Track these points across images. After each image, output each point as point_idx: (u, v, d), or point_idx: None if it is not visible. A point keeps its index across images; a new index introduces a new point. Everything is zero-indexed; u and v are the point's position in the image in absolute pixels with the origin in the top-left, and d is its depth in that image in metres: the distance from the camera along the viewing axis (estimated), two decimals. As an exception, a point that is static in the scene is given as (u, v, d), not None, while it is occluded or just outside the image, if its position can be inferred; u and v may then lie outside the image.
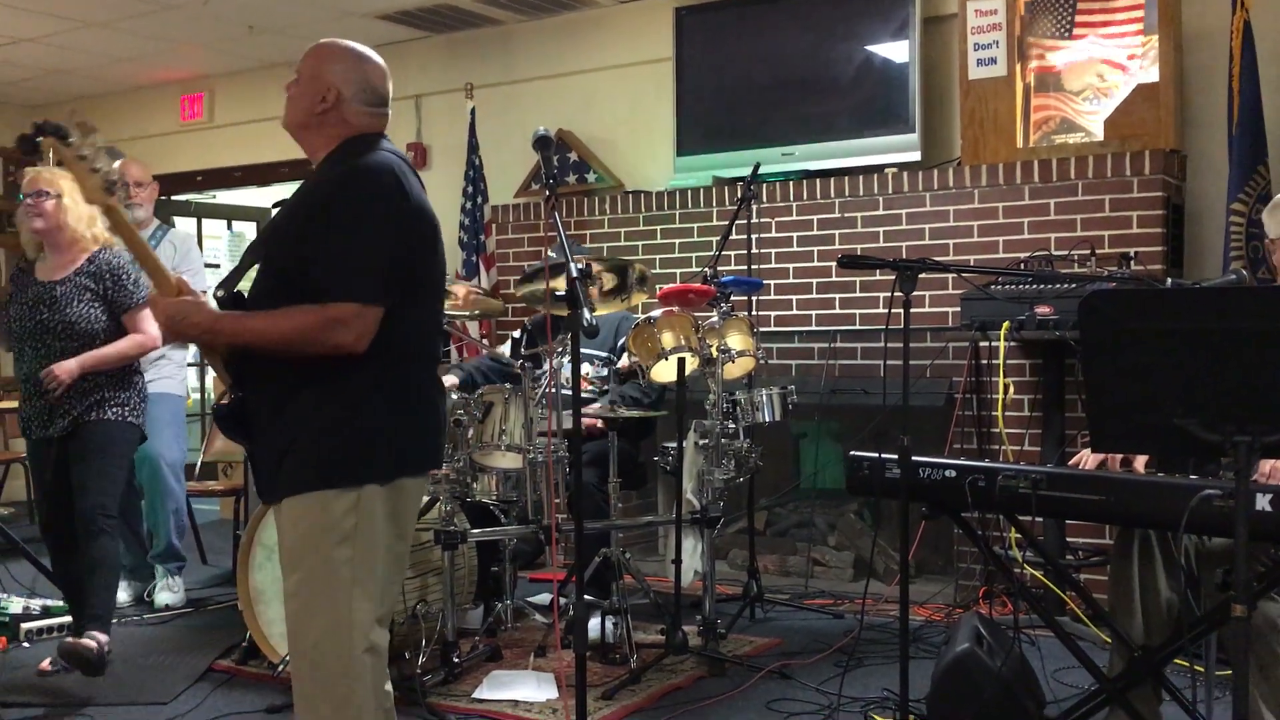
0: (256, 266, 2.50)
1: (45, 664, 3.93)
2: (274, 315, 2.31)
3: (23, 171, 4.06)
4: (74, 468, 3.86)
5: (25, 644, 4.34)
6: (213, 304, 2.44)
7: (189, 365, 5.30)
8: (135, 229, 2.42)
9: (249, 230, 8.67)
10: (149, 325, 3.89)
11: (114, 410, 3.89)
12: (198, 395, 7.28)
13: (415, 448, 2.44)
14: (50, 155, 2.56)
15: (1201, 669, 3.09)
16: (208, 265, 5.70)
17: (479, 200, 6.23)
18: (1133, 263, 4.39)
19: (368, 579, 2.34)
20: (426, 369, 2.50)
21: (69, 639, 3.76)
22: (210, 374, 5.38)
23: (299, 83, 2.49)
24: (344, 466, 2.32)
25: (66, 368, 3.78)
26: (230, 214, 8.45)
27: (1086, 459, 2.93)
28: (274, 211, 2.61)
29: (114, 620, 4.30)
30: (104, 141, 2.45)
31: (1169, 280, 4.31)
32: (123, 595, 4.94)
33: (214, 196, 7.96)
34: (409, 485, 2.43)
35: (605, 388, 4.50)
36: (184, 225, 7.78)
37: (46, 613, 4.49)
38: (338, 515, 2.31)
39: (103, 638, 3.77)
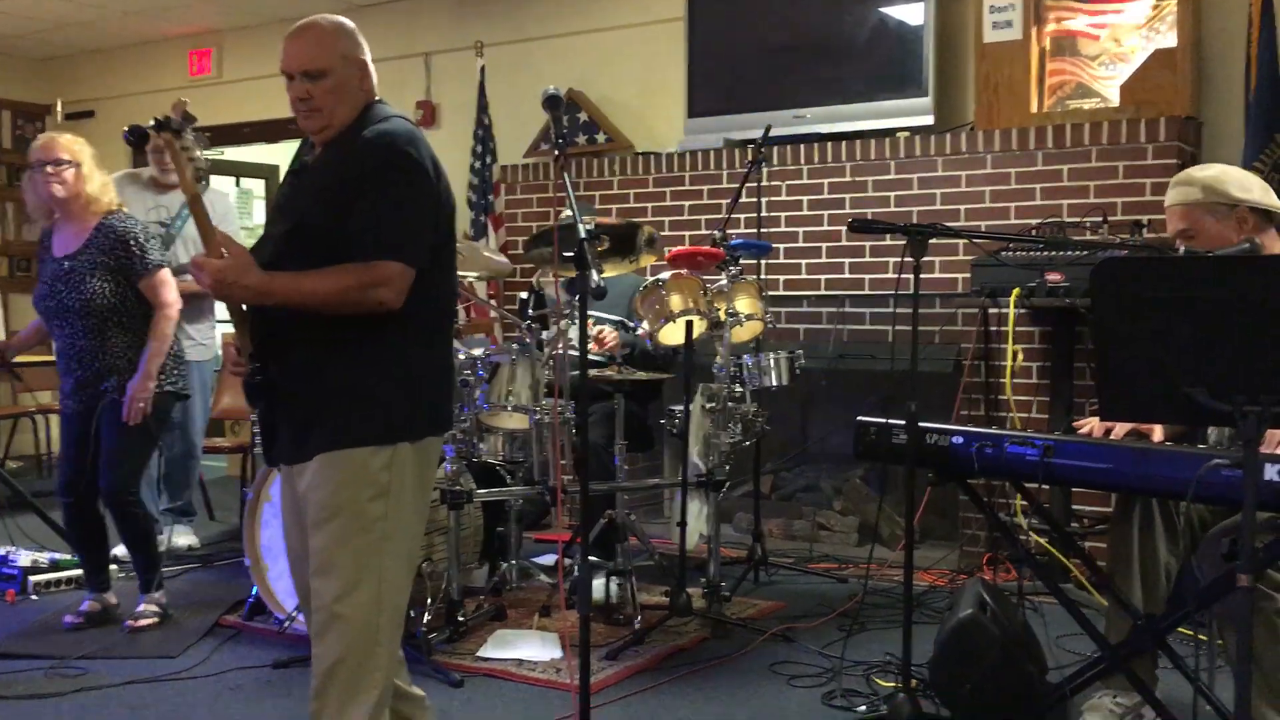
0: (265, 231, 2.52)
1: (69, 618, 4.02)
2: (323, 274, 2.32)
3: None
4: (104, 440, 3.89)
5: (34, 596, 4.39)
6: None
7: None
8: (207, 213, 2.47)
9: (256, 187, 8.65)
10: (167, 293, 3.92)
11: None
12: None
13: (442, 407, 2.54)
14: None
15: (1204, 637, 3.10)
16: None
17: (488, 160, 6.20)
18: (1145, 231, 4.36)
19: (397, 536, 2.41)
20: (448, 331, 2.58)
21: (130, 623, 3.97)
22: (217, 331, 5.38)
23: (327, 77, 2.40)
24: (380, 424, 2.38)
25: (141, 387, 3.82)
26: (238, 170, 8.42)
27: (1094, 426, 2.92)
28: (289, 177, 2.60)
29: (122, 575, 4.36)
30: (194, 129, 2.50)
31: (1181, 249, 4.28)
32: (188, 540, 5.18)
33: (222, 153, 7.94)
34: (433, 444, 2.51)
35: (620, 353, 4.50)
36: (216, 184, 7.77)
37: (55, 566, 4.54)
38: (373, 472, 2.36)
39: (157, 595, 4.07)
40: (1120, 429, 2.85)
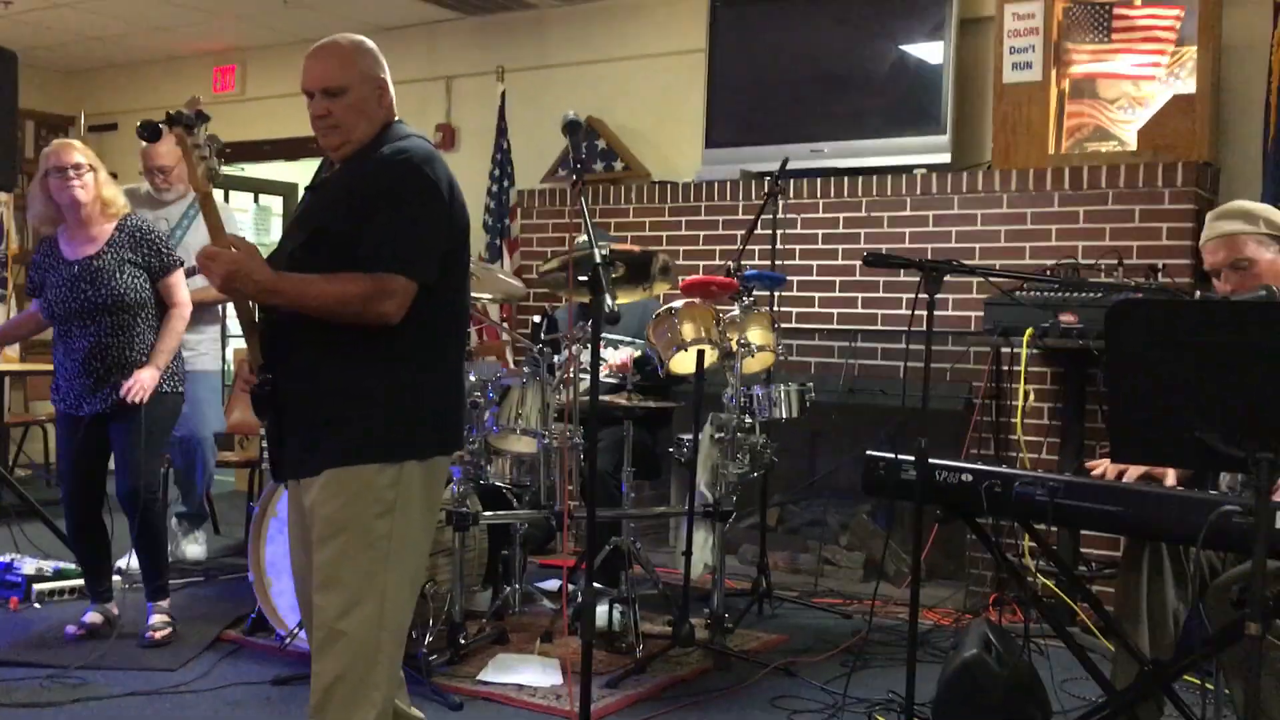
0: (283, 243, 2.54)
1: (71, 629, 4.00)
2: (331, 279, 2.34)
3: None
4: (118, 444, 3.89)
5: (37, 605, 4.38)
6: None
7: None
8: (220, 220, 2.50)
9: (275, 204, 8.71)
10: (181, 293, 3.98)
11: (161, 384, 3.90)
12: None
13: (451, 426, 2.55)
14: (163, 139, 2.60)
15: (1211, 686, 3.07)
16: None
17: (505, 184, 6.23)
18: (1160, 274, 4.35)
19: (402, 554, 2.40)
20: (460, 350, 2.59)
21: (150, 634, 3.93)
22: (230, 346, 5.40)
23: (346, 94, 2.43)
24: (389, 442, 2.37)
25: (149, 376, 3.83)
26: (257, 187, 8.48)
27: (1106, 468, 2.90)
28: (307, 194, 2.63)
29: (126, 586, 4.35)
30: (208, 132, 2.51)
31: (1197, 293, 4.27)
32: (198, 551, 5.14)
33: (242, 169, 7.99)
34: (440, 463, 2.50)
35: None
36: (235, 200, 7.83)
37: (59, 575, 4.53)
38: (380, 489, 2.36)
39: (165, 604, 4.03)
40: (1133, 471, 2.84)
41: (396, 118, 2.54)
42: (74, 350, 3.84)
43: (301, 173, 8.25)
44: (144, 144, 4.74)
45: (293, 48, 7.23)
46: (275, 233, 8.80)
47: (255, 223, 8.61)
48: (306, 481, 2.41)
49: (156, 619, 3.99)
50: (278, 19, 6.75)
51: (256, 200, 8.66)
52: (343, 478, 2.35)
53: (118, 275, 3.83)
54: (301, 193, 2.69)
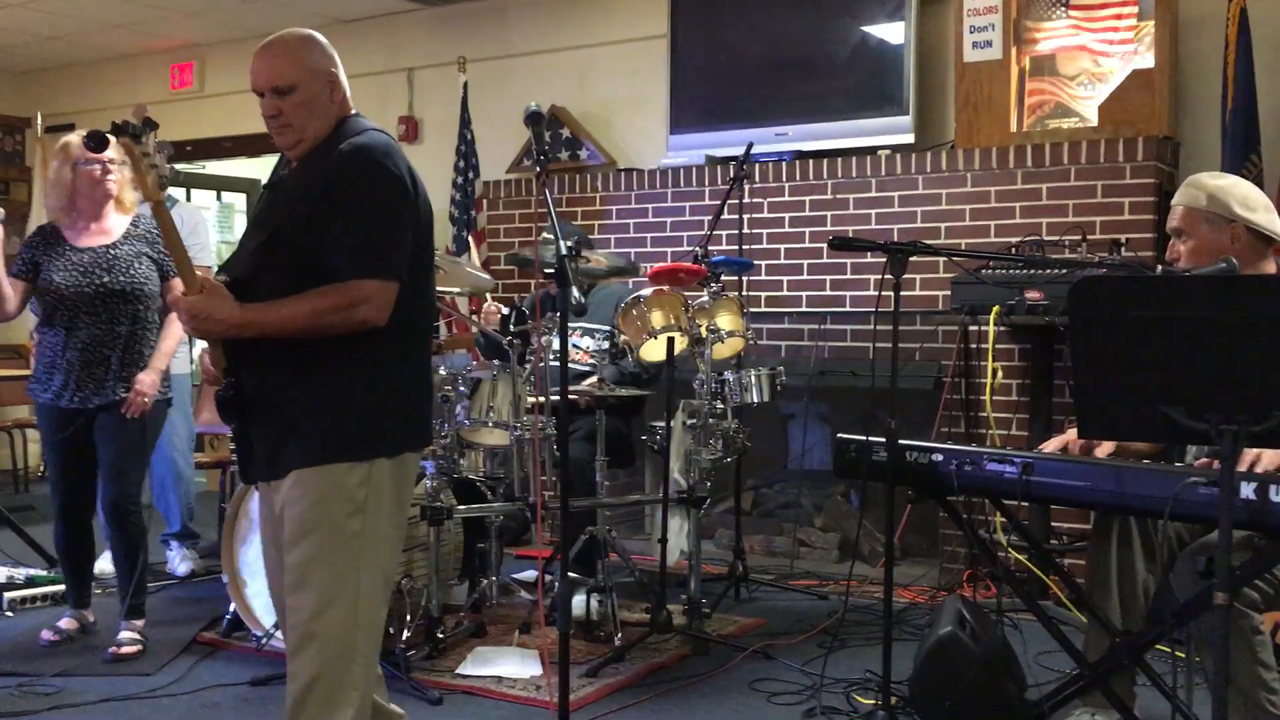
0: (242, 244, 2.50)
1: (47, 634, 3.95)
2: (298, 301, 2.29)
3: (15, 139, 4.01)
4: (106, 448, 3.83)
5: (9, 613, 4.34)
6: None
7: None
8: (174, 225, 2.47)
9: (238, 201, 8.64)
10: None
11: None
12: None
13: (419, 422, 2.52)
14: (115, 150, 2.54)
15: (1182, 655, 3.11)
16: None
17: (470, 175, 6.20)
18: (1124, 249, 4.39)
19: (374, 552, 2.38)
20: (426, 344, 2.56)
21: (114, 650, 3.81)
22: (196, 345, 5.35)
23: (296, 92, 2.38)
24: (357, 440, 2.35)
25: (150, 381, 3.80)
26: (219, 185, 8.40)
27: (1053, 444, 2.93)
28: (265, 191, 2.59)
29: (100, 591, 4.32)
30: (157, 138, 2.46)
31: (1159, 267, 4.31)
32: (188, 565, 5.04)
33: (203, 167, 7.91)
34: (411, 460, 2.48)
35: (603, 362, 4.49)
36: (197, 198, 7.76)
37: (31, 582, 4.49)
38: (350, 488, 2.34)
39: (140, 623, 3.94)
40: (1104, 448, 2.87)
41: (353, 110, 2.50)
42: (80, 339, 3.75)
43: (263, 169, 8.17)
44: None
45: (251, 43, 7.07)
46: (238, 230, 8.73)
47: (218, 220, 8.53)
48: (276, 483, 2.39)
49: (126, 635, 3.87)
50: (235, 14, 6.69)
51: (219, 197, 8.59)
52: (312, 478, 2.33)
53: (135, 265, 3.82)
54: (261, 190, 2.63)
